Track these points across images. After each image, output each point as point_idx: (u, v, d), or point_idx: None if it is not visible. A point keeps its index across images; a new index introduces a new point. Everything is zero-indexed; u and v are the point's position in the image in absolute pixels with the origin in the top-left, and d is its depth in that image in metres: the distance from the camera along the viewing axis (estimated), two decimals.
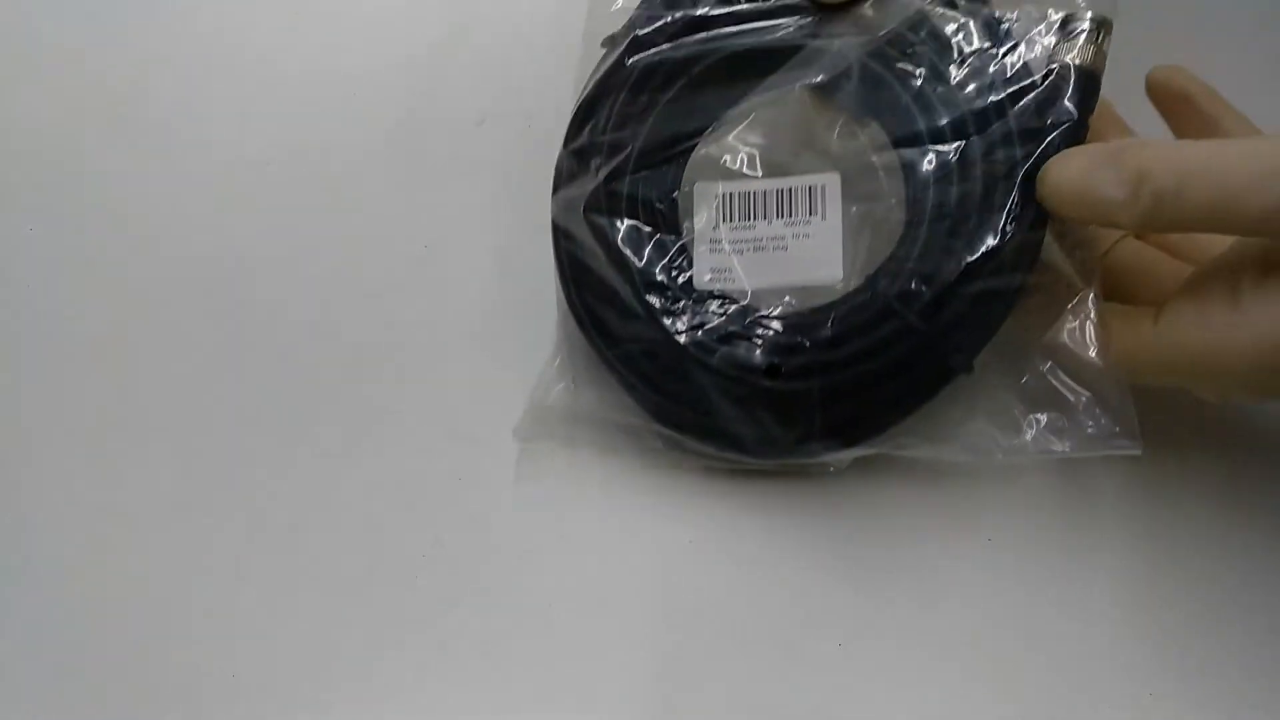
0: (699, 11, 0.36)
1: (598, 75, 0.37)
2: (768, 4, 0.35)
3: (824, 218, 0.35)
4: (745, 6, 0.35)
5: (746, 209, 0.36)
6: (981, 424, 0.35)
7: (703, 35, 0.36)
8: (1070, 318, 0.34)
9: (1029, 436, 0.35)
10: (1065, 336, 0.34)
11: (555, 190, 0.38)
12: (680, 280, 0.36)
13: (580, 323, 0.37)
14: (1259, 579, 0.35)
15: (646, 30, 0.36)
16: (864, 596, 0.36)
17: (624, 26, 0.37)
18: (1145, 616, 0.35)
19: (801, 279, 0.35)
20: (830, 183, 0.35)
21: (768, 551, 0.37)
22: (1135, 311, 0.33)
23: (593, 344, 0.37)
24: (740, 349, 0.35)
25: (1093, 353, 0.34)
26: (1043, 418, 0.35)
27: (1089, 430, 0.34)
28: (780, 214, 0.35)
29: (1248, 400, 0.32)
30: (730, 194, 0.36)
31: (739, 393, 0.35)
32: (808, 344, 0.34)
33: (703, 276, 0.36)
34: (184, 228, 0.42)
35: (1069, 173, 0.31)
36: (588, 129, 0.37)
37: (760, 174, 0.36)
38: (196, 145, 0.43)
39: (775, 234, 0.35)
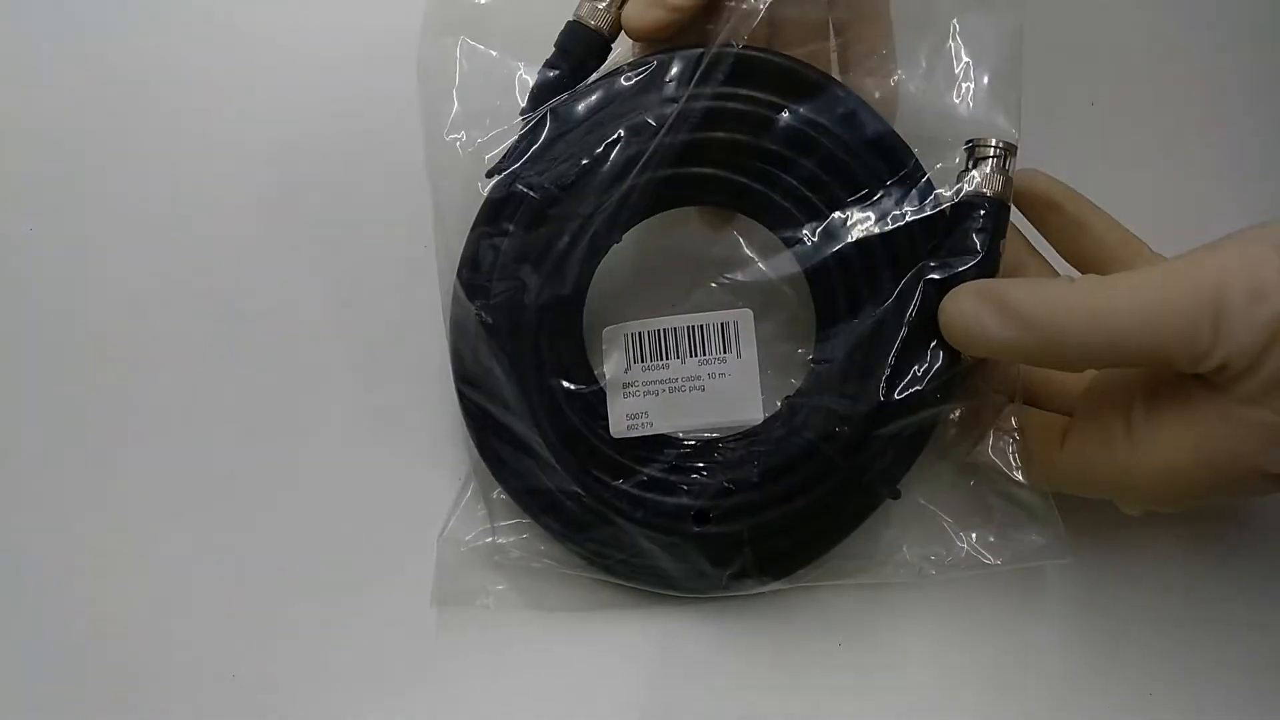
0: (587, 159, 0.33)
1: (481, 217, 0.34)
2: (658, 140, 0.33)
3: (739, 355, 0.34)
4: (631, 148, 0.33)
5: (658, 348, 0.34)
6: (914, 544, 0.35)
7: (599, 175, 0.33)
8: (994, 434, 0.34)
9: (961, 553, 0.35)
10: (990, 453, 0.34)
11: (452, 340, 0.35)
12: (597, 429, 0.34)
13: (496, 475, 0.35)
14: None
15: (534, 173, 0.33)
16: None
17: (505, 157, 0.34)
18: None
19: (721, 420, 0.34)
20: (743, 319, 0.34)
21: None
22: (1046, 428, 0.33)
23: (512, 495, 0.35)
24: (666, 497, 0.34)
25: (1016, 468, 0.33)
26: (973, 534, 0.35)
27: (1018, 543, 0.34)
28: (693, 352, 0.34)
29: (1163, 510, 0.32)
30: (639, 334, 0.34)
31: (668, 540, 0.34)
32: (734, 486, 0.33)
33: (620, 425, 0.34)
34: (185, 227, 0.41)
35: (956, 313, 0.31)
36: (480, 278, 0.34)
37: (668, 311, 0.34)
38: (197, 144, 0.42)
39: (690, 374, 0.34)
